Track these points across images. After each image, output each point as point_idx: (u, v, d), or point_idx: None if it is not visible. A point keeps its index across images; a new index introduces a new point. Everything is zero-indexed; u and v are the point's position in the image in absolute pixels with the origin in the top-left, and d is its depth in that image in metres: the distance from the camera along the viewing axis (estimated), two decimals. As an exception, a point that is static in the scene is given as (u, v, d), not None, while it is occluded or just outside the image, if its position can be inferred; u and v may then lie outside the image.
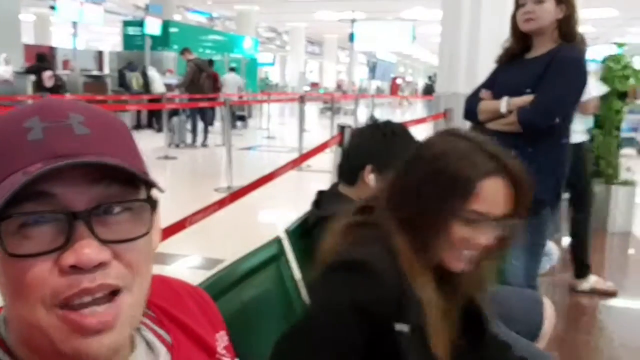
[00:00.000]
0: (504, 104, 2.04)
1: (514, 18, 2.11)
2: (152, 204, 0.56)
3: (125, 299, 0.54)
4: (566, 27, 2.03)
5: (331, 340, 0.94)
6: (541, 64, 2.02)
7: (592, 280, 3.37)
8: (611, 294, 3.32)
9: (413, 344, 0.93)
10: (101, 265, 0.51)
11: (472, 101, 2.20)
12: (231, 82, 12.60)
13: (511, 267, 2.16)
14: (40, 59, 10.02)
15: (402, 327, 0.92)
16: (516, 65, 2.13)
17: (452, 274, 1.03)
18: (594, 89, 3.28)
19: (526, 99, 2.00)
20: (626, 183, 4.59)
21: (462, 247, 0.99)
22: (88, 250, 0.50)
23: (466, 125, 2.90)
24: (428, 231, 0.98)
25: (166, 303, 0.69)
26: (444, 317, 0.98)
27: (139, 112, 11.76)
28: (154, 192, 0.58)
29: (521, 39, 2.12)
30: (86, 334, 0.51)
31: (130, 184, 0.54)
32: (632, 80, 4.35)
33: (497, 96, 2.10)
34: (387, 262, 0.96)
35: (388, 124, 1.73)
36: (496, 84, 2.15)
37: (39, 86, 9.39)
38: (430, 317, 0.95)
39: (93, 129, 0.54)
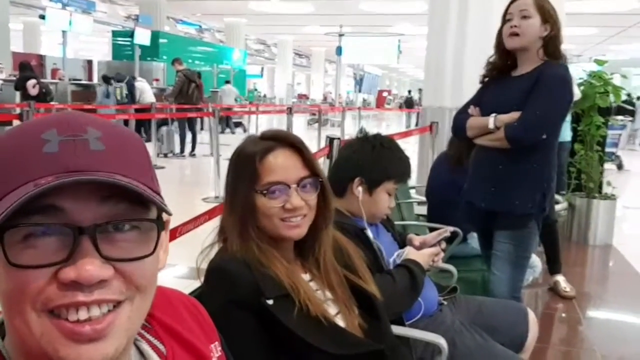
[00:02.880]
0: (491, 120, 2.08)
1: (500, 34, 2.14)
2: (160, 224, 0.56)
3: (124, 310, 0.54)
4: (552, 46, 2.07)
5: (236, 335, 1.04)
6: (527, 81, 2.05)
7: (560, 279, 3.54)
8: (568, 298, 3.44)
9: (282, 310, 1.08)
10: (102, 282, 0.51)
11: (460, 118, 2.23)
12: (229, 93, 13.59)
13: (495, 279, 2.21)
14: (23, 68, 9.88)
15: (267, 301, 1.08)
16: (502, 83, 2.16)
17: (304, 243, 1.20)
18: None
19: (514, 115, 2.03)
20: (607, 197, 4.69)
21: (280, 215, 1.15)
22: (90, 267, 0.50)
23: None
24: (246, 215, 1.15)
25: (161, 313, 0.69)
26: (320, 282, 1.19)
27: (125, 121, 11.74)
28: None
29: (505, 55, 2.14)
30: (79, 341, 0.51)
31: (140, 204, 0.54)
32: (612, 97, 4.47)
33: (484, 113, 2.13)
34: (234, 259, 1.12)
35: (377, 137, 1.77)
36: (483, 102, 2.18)
37: (24, 95, 9.33)
38: (294, 284, 1.11)
39: (108, 145, 0.54)
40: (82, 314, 0.51)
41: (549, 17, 2.04)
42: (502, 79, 2.17)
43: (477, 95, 2.26)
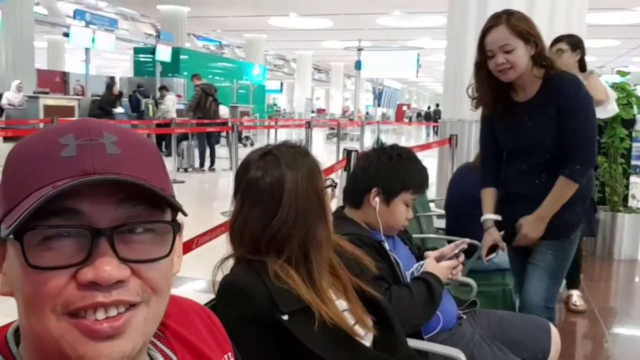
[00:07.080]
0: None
1: (480, 66, 2.04)
2: (176, 227, 0.57)
3: (141, 311, 0.54)
4: (541, 59, 1.98)
5: (249, 351, 1.02)
6: (542, 104, 1.99)
7: (574, 293, 3.51)
8: (578, 312, 3.40)
9: (299, 325, 1.07)
10: (119, 283, 0.52)
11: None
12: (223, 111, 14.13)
13: (532, 288, 2.14)
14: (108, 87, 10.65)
15: (282, 316, 1.07)
16: (513, 111, 2.07)
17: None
18: None
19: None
20: (632, 210, 4.59)
21: None
22: (108, 267, 0.51)
23: (472, 150, 2.94)
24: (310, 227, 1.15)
25: (174, 322, 0.69)
26: (337, 292, 1.19)
27: (147, 135, 11.94)
28: (180, 217, 0.59)
29: (500, 83, 2.04)
30: (97, 338, 0.52)
31: (156, 206, 0.55)
32: (635, 108, 4.39)
33: (510, 147, 2.12)
34: (249, 274, 1.12)
35: (394, 147, 1.76)
36: (505, 137, 2.13)
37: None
38: (314, 299, 1.10)
39: (124, 149, 0.55)
40: (100, 315, 0.52)
41: (529, 36, 1.95)
42: (507, 107, 2.09)
43: (487, 130, 2.22)
